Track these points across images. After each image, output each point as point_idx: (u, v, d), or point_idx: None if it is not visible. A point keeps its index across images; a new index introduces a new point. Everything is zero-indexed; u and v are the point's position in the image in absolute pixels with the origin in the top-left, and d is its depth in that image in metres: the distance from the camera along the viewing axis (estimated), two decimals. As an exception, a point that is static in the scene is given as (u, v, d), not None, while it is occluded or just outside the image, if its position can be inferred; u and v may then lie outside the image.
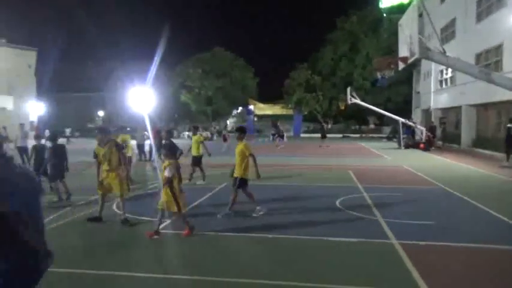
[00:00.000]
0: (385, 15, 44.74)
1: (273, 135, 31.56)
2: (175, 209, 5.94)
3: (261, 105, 56.32)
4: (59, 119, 46.92)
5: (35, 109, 39.63)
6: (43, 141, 10.79)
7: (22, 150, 14.39)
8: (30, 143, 11.21)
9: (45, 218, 6.96)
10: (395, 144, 28.60)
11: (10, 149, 9.65)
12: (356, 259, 5.22)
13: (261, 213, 7.42)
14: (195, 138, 12.06)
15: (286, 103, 53.17)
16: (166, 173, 5.94)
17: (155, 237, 6.08)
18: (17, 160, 8.35)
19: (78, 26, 73.39)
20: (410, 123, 26.63)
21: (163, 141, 11.53)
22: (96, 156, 7.16)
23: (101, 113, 56.98)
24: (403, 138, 26.25)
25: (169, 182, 5.92)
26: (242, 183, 7.33)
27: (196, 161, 11.79)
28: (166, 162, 6.10)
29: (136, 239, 6.18)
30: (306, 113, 52.48)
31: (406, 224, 6.85)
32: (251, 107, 54.89)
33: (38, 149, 9.51)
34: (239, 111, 59.89)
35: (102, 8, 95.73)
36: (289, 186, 11.31)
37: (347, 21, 48.87)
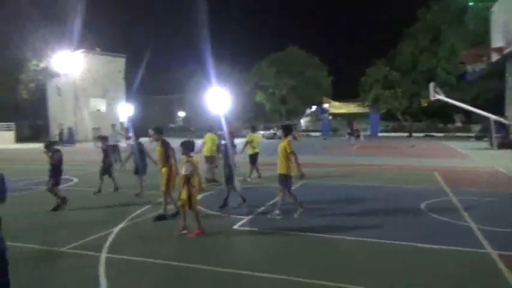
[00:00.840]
0: (470, 3, 40.90)
1: (349, 134, 30.63)
2: (190, 204, 6.07)
3: (336, 103, 54.96)
4: (144, 120, 50.57)
5: (125, 111, 43.15)
6: (130, 141, 11.63)
7: (113, 148, 15.78)
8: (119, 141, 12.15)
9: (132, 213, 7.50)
10: (485, 144, 26.09)
11: (100, 146, 10.49)
12: (448, 269, 4.82)
13: (278, 217, 7.15)
14: (252, 137, 12.12)
15: (363, 101, 51.27)
16: (184, 171, 6.05)
17: (183, 232, 6.23)
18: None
19: (162, 34, 78.39)
20: (505, 121, 24.05)
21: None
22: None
23: (181, 114, 60.18)
24: (496, 137, 23.81)
25: (187, 179, 6.01)
26: (288, 180, 7.24)
27: (253, 159, 11.83)
28: (185, 160, 6.20)
29: (209, 234, 6.37)
30: (383, 111, 50.15)
31: (506, 233, 6.17)
32: (325, 105, 53.88)
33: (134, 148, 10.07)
34: (313, 110, 59.23)
35: (182, 15, 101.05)
36: (368, 186, 10.84)
37: (428, 12, 45.62)
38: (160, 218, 7.22)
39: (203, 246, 5.81)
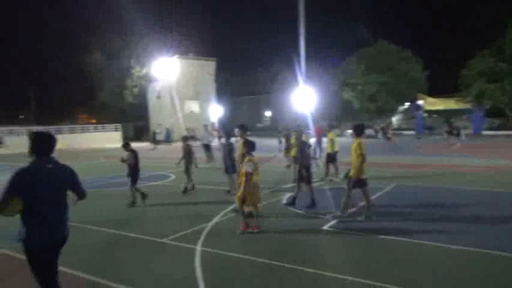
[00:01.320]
0: None
1: (448, 132, 28.18)
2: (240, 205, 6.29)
3: (432, 99, 50.89)
4: (233, 120, 52.64)
5: (215, 112, 45.41)
6: (222, 139, 12.16)
7: (206, 147, 16.73)
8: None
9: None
10: None
11: (196, 146, 11.10)
12: None
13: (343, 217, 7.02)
14: (330, 135, 11.70)
15: (463, 96, 46.76)
16: (248, 169, 6.22)
17: (248, 230, 6.40)
18: (202, 155, 9.60)
19: (249, 36, 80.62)
20: None
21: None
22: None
23: (267, 113, 61.29)
24: None
25: (249, 176, 6.19)
26: (356, 182, 6.94)
27: (331, 158, 11.50)
28: (247, 158, 6.38)
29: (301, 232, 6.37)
30: (488, 106, 45.13)
31: None
32: (420, 102, 50.28)
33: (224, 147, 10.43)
34: (406, 107, 55.73)
35: (268, 16, 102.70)
36: (463, 190, 9.85)
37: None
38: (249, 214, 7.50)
39: (293, 246, 5.86)
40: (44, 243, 3.43)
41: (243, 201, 6.37)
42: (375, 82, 49.93)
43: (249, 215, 6.54)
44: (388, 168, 14.07)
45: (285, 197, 8.99)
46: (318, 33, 59.29)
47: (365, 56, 51.01)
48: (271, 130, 38.90)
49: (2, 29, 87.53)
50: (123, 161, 9.09)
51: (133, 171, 9.03)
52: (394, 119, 54.22)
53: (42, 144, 3.55)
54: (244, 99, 61.95)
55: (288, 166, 13.26)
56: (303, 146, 8.53)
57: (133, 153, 9.06)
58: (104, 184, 12.53)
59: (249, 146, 6.69)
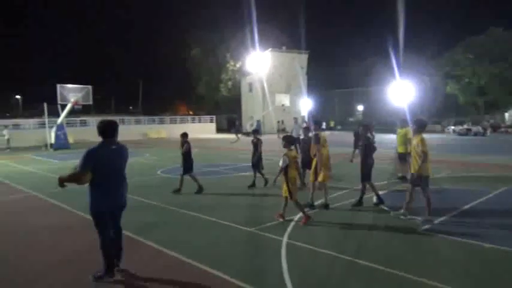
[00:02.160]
0: None
1: None
2: (290, 196, 6.52)
3: (555, 93, 44.04)
4: (324, 114, 51.81)
5: (306, 105, 45.13)
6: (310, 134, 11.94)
7: (295, 141, 16.72)
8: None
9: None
10: None
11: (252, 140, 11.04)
12: None
13: (402, 217, 6.75)
14: (401, 132, 10.41)
15: None
16: (281, 163, 6.46)
17: (280, 219, 6.74)
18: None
19: (342, 28, 78.32)
20: None
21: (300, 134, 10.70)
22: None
23: (360, 107, 59.07)
24: None
25: (283, 171, 6.46)
26: (418, 180, 6.60)
27: (402, 158, 10.28)
28: (285, 153, 6.61)
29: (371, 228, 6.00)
30: None
31: None
32: (540, 96, 43.85)
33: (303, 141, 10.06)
34: (522, 101, 49.00)
35: (362, 7, 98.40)
36: None
37: None
38: (326, 206, 7.67)
39: (384, 246, 5.57)
40: (106, 210, 4.36)
41: (290, 194, 6.55)
42: (486, 73, 44.67)
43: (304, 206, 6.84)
44: (500, 170, 12.59)
45: (375, 196, 8.55)
46: (417, 22, 55.00)
47: (474, 44, 45.82)
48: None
49: (116, 34, 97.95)
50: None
51: (187, 160, 9.46)
52: (507, 115, 48.02)
53: (107, 129, 4.36)
54: (336, 93, 60.46)
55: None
56: (368, 141, 7.99)
57: (188, 144, 9.46)
58: (199, 172, 13.29)
59: (288, 141, 6.82)
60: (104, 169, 4.27)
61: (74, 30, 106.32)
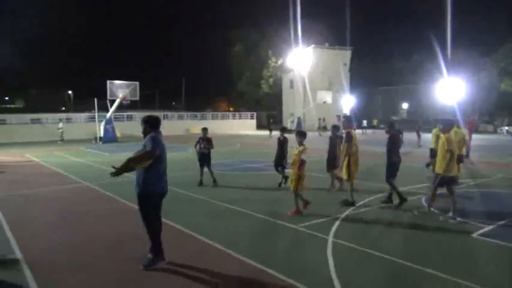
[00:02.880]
0: None
1: None
2: (295, 187, 6.89)
3: None
4: (366, 112, 50.50)
5: (348, 102, 44.19)
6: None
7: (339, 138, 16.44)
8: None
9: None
10: None
11: (325, 136, 10.92)
12: None
13: (451, 220, 6.51)
14: (434, 131, 9.88)
15: None
16: (303, 157, 6.86)
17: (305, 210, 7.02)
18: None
19: (387, 24, 75.86)
20: None
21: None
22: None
23: (404, 106, 57.07)
24: None
25: (303, 164, 6.84)
26: (444, 181, 6.52)
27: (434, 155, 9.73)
28: (301, 148, 6.98)
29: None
30: None
31: None
32: None
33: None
34: None
35: (408, 2, 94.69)
36: None
37: None
38: (346, 203, 7.67)
39: (432, 248, 5.36)
40: (158, 192, 4.73)
41: (296, 185, 6.92)
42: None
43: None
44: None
45: (424, 197, 8.24)
46: (468, 15, 52.02)
47: (534, 39, 42.65)
48: (408, 123, 35.96)
49: (161, 33, 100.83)
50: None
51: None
52: None
53: (156, 123, 4.89)
54: (380, 90, 58.78)
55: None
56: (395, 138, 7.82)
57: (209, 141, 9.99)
58: (241, 168, 13.45)
59: (303, 136, 7.25)
60: (161, 154, 4.70)
61: (121, 32, 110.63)
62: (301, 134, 7.32)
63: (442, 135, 6.77)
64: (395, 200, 7.69)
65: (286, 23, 44.79)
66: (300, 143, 7.13)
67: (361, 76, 52.68)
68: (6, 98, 68.98)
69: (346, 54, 48.82)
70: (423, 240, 5.80)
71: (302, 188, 6.98)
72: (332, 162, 9.23)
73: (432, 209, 7.20)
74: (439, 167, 6.57)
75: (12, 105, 65.99)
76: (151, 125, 4.84)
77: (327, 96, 48.08)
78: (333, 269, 4.66)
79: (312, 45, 45.39)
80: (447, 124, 6.84)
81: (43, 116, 33.65)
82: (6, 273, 4.72)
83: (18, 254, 5.27)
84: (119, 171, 4.51)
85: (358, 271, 4.68)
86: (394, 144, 7.75)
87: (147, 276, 4.55)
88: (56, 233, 6.26)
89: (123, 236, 6.04)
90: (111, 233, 6.21)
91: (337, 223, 6.52)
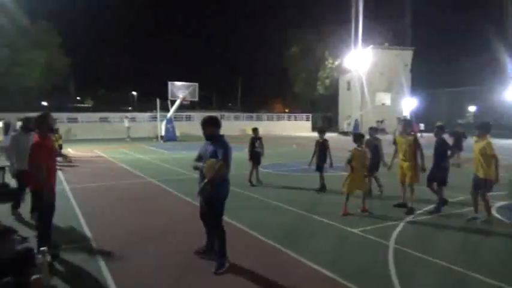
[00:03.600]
0: None
1: None
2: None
3: None
4: (429, 114, 47.98)
5: (408, 104, 42.24)
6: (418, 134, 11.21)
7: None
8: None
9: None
10: None
11: (386, 139, 10.57)
12: None
13: (478, 220, 6.60)
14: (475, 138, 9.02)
15: None
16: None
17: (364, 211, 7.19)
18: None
19: (452, 23, 71.36)
20: None
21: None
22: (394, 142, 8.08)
23: (471, 108, 53.52)
24: None
25: (349, 163, 7.17)
26: (485, 184, 6.48)
27: None
28: (353, 150, 7.27)
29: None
30: None
31: None
32: None
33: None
34: None
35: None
36: None
37: None
38: (400, 205, 7.67)
39: (503, 259, 5.02)
40: (227, 195, 4.89)
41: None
42: None
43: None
44: None
45: (496, 205, 7.72)
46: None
47: None
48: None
49: (220, 34, 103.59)
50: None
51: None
52: None
53: (220, 124, 4.96)
54: (444, 92, 55.68)
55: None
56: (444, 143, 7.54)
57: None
58: (297, 169, 13.46)
59: (358, 139, 7.39)
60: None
61: (178, 35, 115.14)
62: (355, 136, 7.54)
63: (480, 140, 6.57)
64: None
65: (343, 24, 43.89)
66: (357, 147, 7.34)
67: (423, 77, 50.20)
68: (78, 98, 74.46)
69: (408, 55, 46.77)
70: (489, 250, 5.44)
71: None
72: (376, 166, 8.65)
73: (499, 216, 6.75)
74: (483, 171, 6.48)
75: (83, 105, 71.06)
76: (219, 125, 4.93)
77: (385, 98, 46.39)
78: (395, 275, 4.54)
79: (371, 46, 44.06)
80: (485, 128, 6.71)
81: (110, 115, 35.94)
82: (82, 258, 5.15)
83: (93, 242, 5.73)
84: (207, 187, 4.64)
85: (420, 279, 4.52)
86: (441, 149, 7.43)
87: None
88: (127, 224, 6.71)
89: (191, 230, 6.32)
90: (178, 228, 6.52)
91: (398, 229, 6.32)
